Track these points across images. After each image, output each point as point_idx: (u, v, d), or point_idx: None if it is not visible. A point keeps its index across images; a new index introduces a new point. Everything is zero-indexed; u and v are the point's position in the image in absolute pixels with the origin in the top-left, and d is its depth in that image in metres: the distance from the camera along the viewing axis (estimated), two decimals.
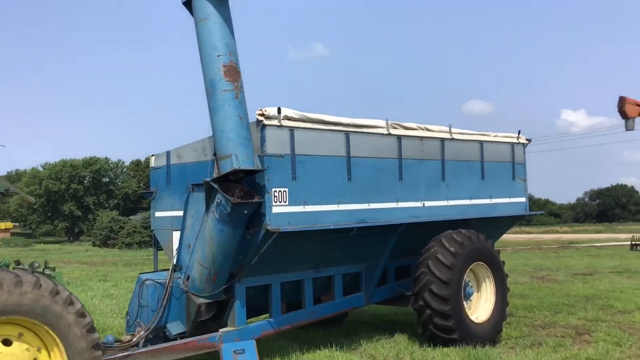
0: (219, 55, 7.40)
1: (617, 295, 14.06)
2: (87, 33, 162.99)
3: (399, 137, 9.35)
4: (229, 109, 7.35)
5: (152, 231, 9.33)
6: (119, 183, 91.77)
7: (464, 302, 9.36)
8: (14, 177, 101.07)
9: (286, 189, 7.82)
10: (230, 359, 7.60)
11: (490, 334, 9.50)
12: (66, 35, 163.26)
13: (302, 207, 7.98)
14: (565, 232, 68.23)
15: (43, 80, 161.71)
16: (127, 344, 7.58)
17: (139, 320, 8.18)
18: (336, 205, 8.40)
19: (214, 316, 8.05)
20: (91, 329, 5.96)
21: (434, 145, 9.93)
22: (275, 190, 7.69)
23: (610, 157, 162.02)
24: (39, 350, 5.82)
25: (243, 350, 7.72)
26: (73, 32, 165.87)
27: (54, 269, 7.14)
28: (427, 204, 9.72)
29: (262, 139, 7.67)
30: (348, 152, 8.62)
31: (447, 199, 10.07)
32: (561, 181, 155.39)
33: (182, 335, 7.97)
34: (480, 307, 9.82)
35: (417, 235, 9.44)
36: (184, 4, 7.77)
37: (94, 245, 63.38)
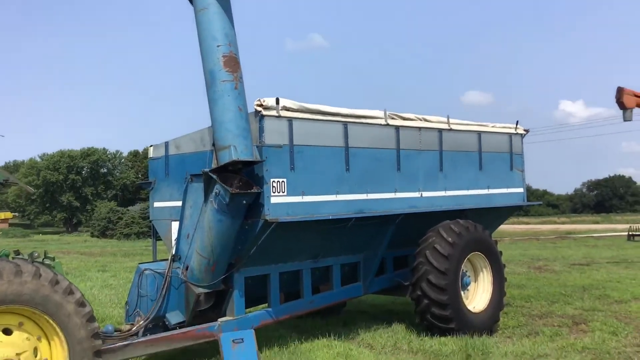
0: (218, 46, 7.38)
1: (613, 285, 14.12)
2: (86, 23, 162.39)
3: (397, 127, 9.37)
4: (228, 99, 7.35)
5: (150, 221, 9.36)
6: (117, 174, 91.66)
7: (462, 292, 9.41)
8: (12, 167, 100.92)
9: (284, 180, 7.85)
10: (229, 348, 7.64)
11: (488, 323, 9.56)
12: (65, 25, 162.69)
13: (300, 197, 8.00)
14: (563, 223, 68.30)
15: (39, 69, 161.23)
16: (126, 333, 7.61)
17: (138, 309, 8.22)
18: (334, 196, 8.42)
19: (213, 306, 8.09)
20: (91, 318, 6.00)
21: (432, 136, 9.95)
22: (273, 181, 7.71)
23: (608, 147, 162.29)
24: (39, 339, 5.86)
25: (242, 339, 7.76)
26: (72, 22, 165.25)
27: (53, 259, 7.18)
28: (425, 194, 9.75)
29: (261, 130, 7.69)
30: (346, 142, 8.63)
31: (445, 189, 10.10)
32: (559, 172, 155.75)
33: (181, 325, 8.01)
34: (477, 296, 9.88)
35: (415, 225, 9.48)
36: None
37: (92, 235, 63.37)
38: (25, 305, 5.64)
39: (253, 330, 7.97)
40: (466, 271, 9.71)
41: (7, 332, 5.70)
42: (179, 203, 8.38)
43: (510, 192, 11.43)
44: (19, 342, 5.70)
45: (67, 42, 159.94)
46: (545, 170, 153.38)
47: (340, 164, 8.57)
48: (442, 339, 8.87)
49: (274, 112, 7.80)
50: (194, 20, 7.55)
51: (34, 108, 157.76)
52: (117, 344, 7.09)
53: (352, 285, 9.59)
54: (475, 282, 9.95)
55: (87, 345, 5.90)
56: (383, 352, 8.46)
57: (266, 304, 8.65)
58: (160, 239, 9.19)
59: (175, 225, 8.51)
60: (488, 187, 10.90)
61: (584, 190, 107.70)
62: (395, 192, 9.27)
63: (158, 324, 8.23)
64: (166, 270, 8.16)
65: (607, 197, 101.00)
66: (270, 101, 7.79)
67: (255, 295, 8.57)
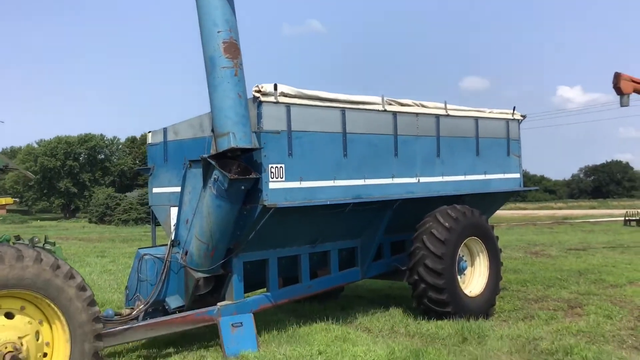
0: (219, 32, 7.35)
1: (609, 270, 14.22)
2: (85, 7, 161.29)
3: (395, 113, 9.40)
4: (227, 86, 7.35)
5: (149, 207, 9.40)
6: (115, 160, 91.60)
7: (458, 276, 9.50)
8: (9, 153, 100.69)
9: (282, 165, 7.89)
10: (229, 332, 7.72)
11: (484, 307, 9.66)
12: (62, 9, 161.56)
13: (298, 183, 8.05)
14: (560, 208, 68.46)
15: (35, 55, 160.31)
16: (126, 317, 7.70)
17: (138, 294, 8.30)
18: (332, 181, 8.48)
19: (212, 290, 8.17)
20: (92, 302, 6.06)
21: (429, 122, 9.98)
22: (271, 167, 7.75)
23: (605, 133, 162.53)
24: (40, 323, 5.92)
25: (241, 323, 7.85)
26: (70, 5, 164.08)
27: (54, 244, 7.25)
28: (422, 179, 9.81)
29: (259, 116, 7.72)
30: (344, 128, 8.67)
31: (442, 175, 10.15)
32: (556, 157, 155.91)
33: (180, 309, 8.09)
34: (473, 281, 9.96)
35: (412, 210, 9.54)
36: None
37: (90, 222, 63.49)
38: (27, 289, 5.70)
39: (252, 315, 8.06)
40: (463, 256, 9.80)
41: (9, 315, 5.76)
42: (178, 189, 8.42)
43: (506, 178, 11.49)
44: (20, 325, 5.77)
45: (64, 28, 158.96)
46: (542, 155, 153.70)
47: (338, 150, 8.61)
48: (439, 322, 8.97)
49: (272, 98, 7.83)
50: (195, 4, 7.53)
51: (31, 94, 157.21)
52: (118, 328, 7.18)
53: (349, 270, 9.67)
54: (471, 266, 10.04)
55: (88, 328, 5.96)
56: (380, 336, 8.56)
57: (265, 289, 8.73)
58: (160, 225, 9.24)
59: (174, 211, 8.56)
60: (485, 173, 10.96)
61: (581, 175, 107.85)
62: (392, 177, 9.32)
63: (158, 308, 8.32)
64: (165, 255, 8.22)
65: (604, 182, 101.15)
66: (268, 87, 7.81)
67: (254, 280, 8.64)
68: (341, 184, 8.59)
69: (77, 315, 5.92)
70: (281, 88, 7.92)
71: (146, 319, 7.90)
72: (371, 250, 9.69)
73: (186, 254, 8.06)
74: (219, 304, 7.96)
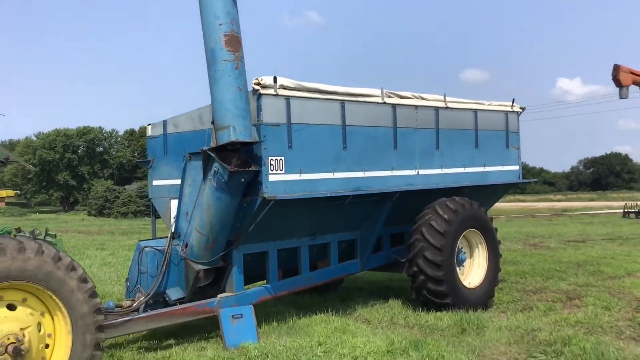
0: (220, 24, 7.33)
1: (608, 262, 14.27)
2: (84, 1, 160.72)
3: (394, 105, 9.41)
4: (228, 79, 7.34)
5: (149, 200, 9.43)
6: (113, 152, 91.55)
7: (457, 268, 9.54)
8: (8, 146, 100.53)
9: (282, 158, 7.91)
10: (229, 323, 7.76)
11: (483, 298, 9.70)
12: (62, 3, 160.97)
13: (298, 175, 8.08)
14: (559, 201, 68.54)
15: (34, 49, 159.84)
16: (127, 309, 7.74)
17: (139, 286, 8.34)
18: (332, 174, 8.50)
19: (212, 282, 8.20)
20: (93, 294, 6.08)
21: (428, 114, 10.00)
22: (271, 159, 7.77)
23: (604, 125, 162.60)
24: (42, 314, 5.94)
25: (241, 315, 7.89)
26: (69, 2, 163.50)
27: (54, 236, 7.27)
28: (422, 172, 9.83)
29: (259, 108, 7.73)
30: (343, 120, 8.68)
31: (441, 167, 10.18)
32: (556, 149, 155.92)
33: (181, 301, 8.13)
34: (472, 272, 10.01)
35: (411, 202, 9.57)
36: None
37: (89, 214, 63.51)
38: (29, 281, 5.72)
39: (252, 306, 8.10)
40: (462, 247, 9.84)
41: (11, 307, 5.78)
42: (178, 181, 8.44)
43: (505, 170, 11.52)
44: (22, 317, 5.79)
45: (64, 21, 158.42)
46: (542, 148, 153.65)
47: (338, 142, 8.62)
48: (438, 314, 9.01)
49: (271, 91, 7.83)
50: None
51: (29, 87, 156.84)
52: (119, 320, 7.22)
53: (349, 262, 9.71)
54: (470, 258, 10.08)
55: (89, 320, 5.99)
56: (380, 327, 8.60)
57: (265, 281, 8.77)
58: (160, 217, 9.27)
59: (174, 203, 8.59)
60: (484, 165, 10.98)
61: (581, 167, 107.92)
62: (392, 169, 9.35)
63: (158, 300, 8.36)
64: (166, 248, 8.25)
65: (603, 174, 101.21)
66: (268, 80, 7.81)
67: (254, 272, 8.68)
68: (341, 176, 8.61)
69: (78, 307, 5.94)
70: (281, 81, 7.92)
71: (147, 310, 7.94)
72: (371, 242, 9.72)
73: (186, 246, 8.08)
74: (219, 295, 8.00)
